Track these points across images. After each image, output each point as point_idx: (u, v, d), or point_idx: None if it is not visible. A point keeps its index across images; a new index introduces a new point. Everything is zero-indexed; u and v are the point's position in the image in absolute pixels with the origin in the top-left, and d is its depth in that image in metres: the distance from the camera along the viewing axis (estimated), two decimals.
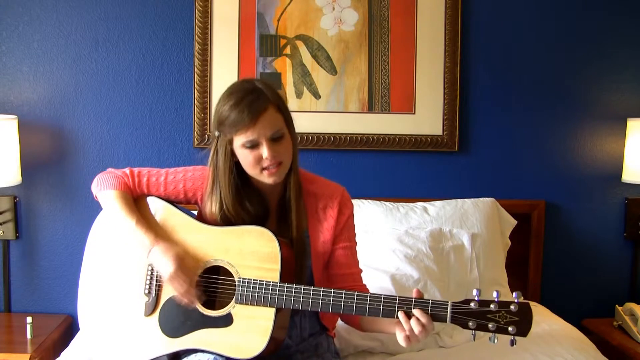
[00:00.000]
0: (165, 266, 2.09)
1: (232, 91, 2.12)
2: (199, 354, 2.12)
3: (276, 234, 2.09)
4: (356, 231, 2.34)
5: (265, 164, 2.08)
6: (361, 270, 2.33)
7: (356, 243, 2.33)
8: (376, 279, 2.87)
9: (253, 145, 2.07)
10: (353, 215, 2.31)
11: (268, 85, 2.13)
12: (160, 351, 2.16)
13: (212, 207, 2.17)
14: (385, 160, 3.48)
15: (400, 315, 1.95)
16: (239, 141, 2.08)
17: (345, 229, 2.27)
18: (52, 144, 3.37)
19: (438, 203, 3.34)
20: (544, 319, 3.07)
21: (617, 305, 3.34)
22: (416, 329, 1.93)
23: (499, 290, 3.08)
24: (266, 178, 2.11)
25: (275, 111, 2.09)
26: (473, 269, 3.10)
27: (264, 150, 2.06)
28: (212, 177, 2.17)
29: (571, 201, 3.53)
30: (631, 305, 3.25)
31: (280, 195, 2.24)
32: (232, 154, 2.13)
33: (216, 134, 2.13)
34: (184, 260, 2.10)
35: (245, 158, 2.10)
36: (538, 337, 2.80)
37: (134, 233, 2.16)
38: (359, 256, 2.35)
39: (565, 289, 3.57)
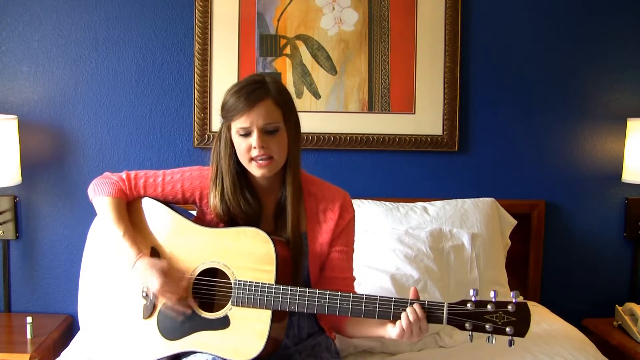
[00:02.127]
0: (152, 282, 2.11)
1: (239, 81, 2.17)
2: (198, 355, 2.12)
3: (271, 234, 2.09)
4: (355, 237, 2.33)
5: (254, 154, 2.09)
6: (354, 278, 2.32)
7: (354, 250, 2.32)
8: (376, 279, 2.87)
9: (246, 133, 2.09)
10: (354, 220, 2.31)
11: (276, 81, 2.16)
12: (159, 353, 2.17)
13: (215, 196, 2.18)
14: (385, 160, 3.47)
15: (403, 316, 1.96)
16: (235, 127, 2.11)
17: (344, 233, 2.26)
18: (52, 144, 3.37)
19: (438, 203, 3.33)
20: (544, 319, 3.07)
21: (617, 305, 3.33)
22: (412, 316, 1.93)
23: (499, 290, 3.10)
24: (254, 170, 2.12)
25: (273, 104, 2.11)
26: (473, 268, 3.10)
27: (254, 139, 2.08)
28: (215, 165, 2.19)
29: (571, 201, 3.53)
30: (631, 305, 3.25)
31: (279, 194, 2.24)
32: (231, 141, 2.15)
33: (220, 121, 2.17)
34: (169, 273, 2.11)
35: (238, 146, 2.12)
36: (538, 337, 2.80)
37: (120, 244, 2.18)
38: (359, 256, 2.35)
39: (565, 289, 3.57)
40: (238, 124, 2.09)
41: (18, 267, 3.42)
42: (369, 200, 3.33)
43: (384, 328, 2.04)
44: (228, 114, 2.10)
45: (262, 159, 2.09)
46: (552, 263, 3.55)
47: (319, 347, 2.30)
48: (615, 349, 3.12)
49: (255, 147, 2.08)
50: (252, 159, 2.10)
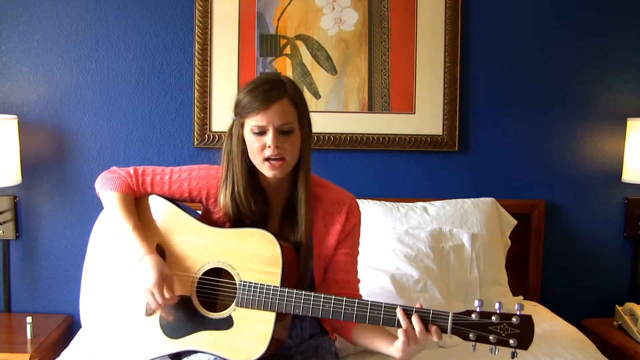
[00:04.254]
0: (147, 279, 2.09)
1: (254, 79, 2.16)
2: (199, 354, 2.12)
3: (278, 237, 2.09)
4: (360, 241, 2.33)
5: (268, 153, 2.07)
6: (359, 281, 2.32)
7: (358, 253, 2.31)
8: (376, 278, 2.87)
9: (260, 132, 2.08)
10: (360, 224, 2.30)
11: (292, 81, 2.16)
12: (160, 351, 2.17)
13: (225, 196, 2.16)
14: (385, 160, 3.47)
15: (399, 312, 1.96)
16: (249, 125, 2.09)
17: (350, 236, 2.26)
18: (52, 144, 3.37)
19: (438, 203, 3.34)
20: (544, 319, 3.07)
21: (617, 305, 3.34)
22: (417, 326, 1.93)
23: (499, 290, 3.10)
24: (266, 171, 2.11)
25: (289, 104, 2.10)
26: (473, 268, 3.10)
27: (269, 139, 2.06)
28: (226, 163, 2.17)
29: (571, 201, 3.53)
30: (631, 305, 3.25)
31: (286, 196, 2.24)
32: (243, 140, 2.13)
33: (232, 118, 2.15)
34: (168, 280, 2.10)
35: (251, 144, 2.10)
36: (538, 337, 2.75)
37: (129, 239, 2.17)
38: (359, 256, 2.35)
39: (565, 289, 3.57)
40: (253, 122, 2.07)
41: (18, 267, 3.42)
42: (369, 200, 3.33)
43: (389, 345, 2.04)
44: (243, 110, 2.09)
45: (275, 159, 2.08)
46: (552, 263, 3.55)
47: (321, 348, 2.30)
48: (615, 349, 3.12)
49: (269, 147, 2.06)
50: (265, 159, 2.09)
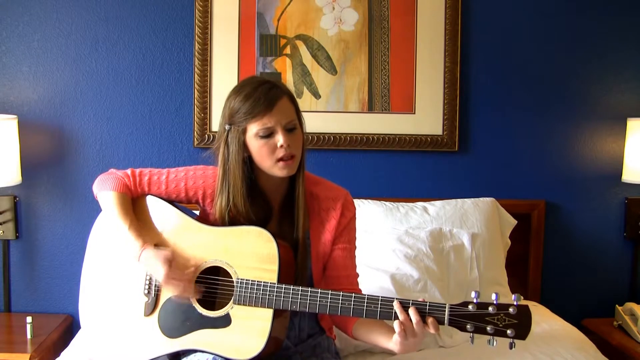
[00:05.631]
0: (157, 270, 2.10)
1: (242, 85, 2.15)
2: (199, 354, 2.12)
3: (275, 234, 2.09)
4: (357, 235, 2.33)
5: (281, 153, 2.08)
6: (358, 275, 2.32)
7: (355, 247, 2.32)
8: (376, 278, 2.87)
9: (268, 134, 2.08)
10: (355, 218, 2.31)
11: (277, 80, 2.19)
12: (159, 351, 2.17)
13: (221, 205, 2.16)
14: (385, 160, 3.47)
15: (396, 305, 1.95)
16: (253, 130, 2.08)
17: (346, 231, 2.26)
18: (52, 144, 3.37)
19: (438, 203, 3.33)
20: (544, 319, 3.07)
21: (617, 305, 3.33)
22: (414, 318, 1.93)
23: (499, 289, 3.10)
24: (279, 170, 2.11)
25: (289, 101, 2.12)
26: (473, 268, 3.10)
27: (280, 138, 2.07)
28: (222, 173, 2.16)
29: (571, 201, 3.53)
30: (631, 305, 3.25)
31: (284, 195, 2.24)
32: (245, 147, 2.12)
33: (226, 127, 2.13)
34: (174, 261, 2.11)
35: (260, 149, 2.09)
36: (538, 337, 2.80)
37: (126, 237, 2.17)
38: (359, 256, 2.35)
39: (565, 289, 3.57)
40: (259, 125, 2.06)
41: (18, 267, 3.42)
42: (369, 200, 3.33)
43: (389, 340, 2.03)
44: (245, 116, 2.07)
45: (287, 158, 2.08)
46: (552, 263, 3.54)
47: (319, 347, 2.30)
48: (615, 349, 3.12)
49: (281, 146, 2.07)
50: (277, 160, 2.09)
